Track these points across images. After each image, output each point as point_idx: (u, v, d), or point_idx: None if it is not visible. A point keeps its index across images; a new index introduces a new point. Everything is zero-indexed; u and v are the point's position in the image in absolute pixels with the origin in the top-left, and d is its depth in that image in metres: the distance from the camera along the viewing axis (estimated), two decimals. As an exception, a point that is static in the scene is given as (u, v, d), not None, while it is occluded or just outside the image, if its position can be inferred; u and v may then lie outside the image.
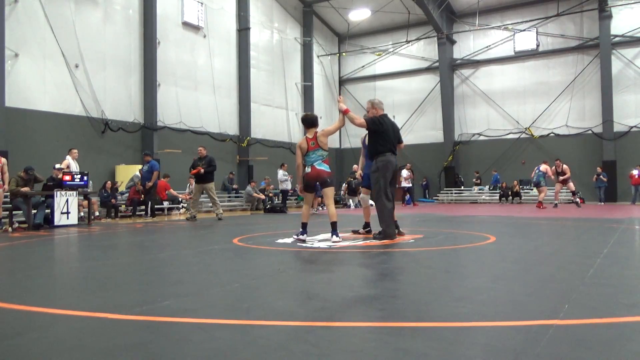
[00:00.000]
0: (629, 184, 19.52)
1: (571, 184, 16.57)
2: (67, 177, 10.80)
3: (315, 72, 26.84)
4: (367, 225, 7.34)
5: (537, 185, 16.55)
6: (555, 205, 16.50)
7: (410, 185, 21.46)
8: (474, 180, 24.89)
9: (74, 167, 11.88)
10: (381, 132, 6.44)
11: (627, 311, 2.82)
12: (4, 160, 10.25)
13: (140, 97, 17.72)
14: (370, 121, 6.50)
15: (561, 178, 16.26)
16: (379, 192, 6.41)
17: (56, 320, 2.78)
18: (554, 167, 16.40)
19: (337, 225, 6.43)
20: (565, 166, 16.54)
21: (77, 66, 15.66)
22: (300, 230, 6.57)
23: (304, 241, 6.42)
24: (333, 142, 28.68)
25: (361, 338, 2.39)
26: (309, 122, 6.83)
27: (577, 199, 16.46)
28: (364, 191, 7.49)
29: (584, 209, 15.46)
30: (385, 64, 27.59)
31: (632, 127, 21.68)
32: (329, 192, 6.61)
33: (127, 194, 14.90)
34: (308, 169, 6.58)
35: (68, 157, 12.07)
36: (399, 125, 27.65)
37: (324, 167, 6.60)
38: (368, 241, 6.50)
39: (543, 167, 16.38)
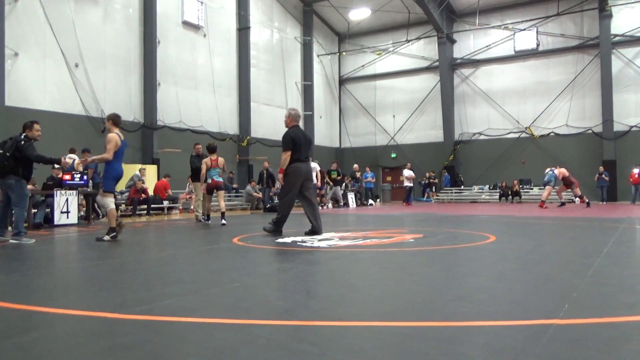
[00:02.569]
0: (629, 183, 19.50)
1: (577, 190, 16.64)
2: (67, 177, 10.80)
3: (315, 71, 26.83)
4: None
5: (546, 184, 16.66)
6: (562, 204, 16.54)
7: (412, 185, 21.44)
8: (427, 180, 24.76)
9: None
10: (294, 145, 7.18)
11: (627, 310, 2.82)
12: None
13: (140, 96, 17.72)
14: (287, 143, 7.20)
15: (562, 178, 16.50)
16: (287, 196, 7.31)
17: (56, 320, 2.78)
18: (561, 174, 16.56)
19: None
20: (561, 170, 16.60)
21: (77, 65, 15.66)
22: (205, 217, 10.68)
23: (208, 224, 10.12)
24: (332, 142, 28.71)
25: (361, 337, 2.39)
26: (212, 149, 10.39)
27: (586, 200, 16.60)
28: (105, 195, 7.24)
29: (585, 209, 15.46)
30: (385, 63, 27.58)
31: (632, 127, 21.68)
32: (222, 193, 10.50)
33: (127, 194, 14.90)
34: (209, 180, 10.26)
35: (75, 155, 12.02)
36: (399, 125, 27.82)
37: (219, 179, 10.36)
38: (368, 241, 6.51)
39: (557, 172, 16.50)
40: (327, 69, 28.15)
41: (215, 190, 10.35)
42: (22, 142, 7.17)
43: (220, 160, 10.37)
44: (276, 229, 7.33)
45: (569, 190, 17.45)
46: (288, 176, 7.17)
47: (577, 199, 17.52)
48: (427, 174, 24.75)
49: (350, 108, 29.04)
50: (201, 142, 12.47)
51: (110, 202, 7.17)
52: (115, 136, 7.07)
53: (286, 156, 7.14)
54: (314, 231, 7.26)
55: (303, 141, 7.25)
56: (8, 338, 2.43)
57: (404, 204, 20.87)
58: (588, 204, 16.51)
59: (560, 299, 3.06)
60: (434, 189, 24.93)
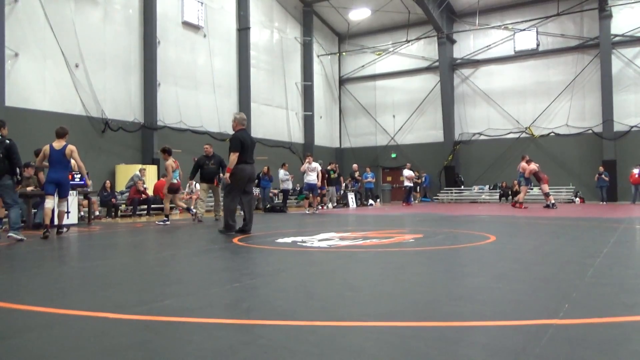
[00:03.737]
0: (629, 183, 19.50)
1: (545, 186, 16.18)
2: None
3: (315, 71, 26.83)
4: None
5: (519, 184, 16.54)
6: (553, 204, 16.03)
7: (412, 185, 21.42)
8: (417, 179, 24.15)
9: None
10: (242, 147, 7.75)
11: (627, 311, 2.82)
12: None
13: (140, 96, 17.73)
14: (236, 145, 7.75)
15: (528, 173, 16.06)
16: (232, 193, 7.90)
17: (56, 320, 2.78)
18: (533, 166, 16.02)
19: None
20: (523, 164, 16.18)
21: (77, 66, 15.66)
22: (165, 218, 10.87)
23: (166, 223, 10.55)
24: (333, 142, 28.70)
25: (362, 337, 2.40)
26: (170, 151, 11.11)
27: (552, 201, 16.01)
28: (49, 197, 8.16)
29: (585, 208, 15.45)
30: (385, 63, 27.58)
31: (632, 127, 21.67)
32: (179, 195, 11.64)
33: (127, 194, 14.91)
34: (174, 180, 11.00)
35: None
36: (399, 125, 27.71)
37: (179, 181, 11.30)
38: (368, 241, 6.51)
39: (521, 167, 16.16)
40: (327, 69, 28.15)
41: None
42: (9, 142, 7.45)
43: (177, 163, 11.34)
44: (229, 227, 7.81)
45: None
46: (234, 176, 7.77)
47: (545, 196, 16.62)
48: (419, 172, 24.71)
49: (350, 108, 29.04)
50: (201, 143, 12.54)
51: (46, 202, 8.11)
52: (44, 147, 8.21)
53: (234, 157, 7.70)
54: (244, 230, 7.89)
55: (249, 144, 7.89)
56: (6, 339, 2.43)
57: (404, 204, 20.87)
58: (553, 205, 15.83)
59: (560, 299, 3.06)
60: (417, 190, 24.45)
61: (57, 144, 8.08)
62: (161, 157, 11.24)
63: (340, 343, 2.29)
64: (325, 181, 18.35)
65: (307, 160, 15.74)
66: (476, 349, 2.17)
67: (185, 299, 3.25)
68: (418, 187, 24.51)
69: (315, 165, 15.51)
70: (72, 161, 11.84)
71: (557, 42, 23.55)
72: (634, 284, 3.71)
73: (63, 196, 8.24)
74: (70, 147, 8.10)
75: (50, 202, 8.08)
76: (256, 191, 18.40)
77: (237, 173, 7.76)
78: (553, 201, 16.10)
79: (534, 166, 16.12)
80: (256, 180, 17.22)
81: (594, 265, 4.30)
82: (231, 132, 7.48)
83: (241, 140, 7.72)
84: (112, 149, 16.53)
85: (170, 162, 10.87)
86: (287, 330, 2.51)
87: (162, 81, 18.25)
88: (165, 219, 10.89)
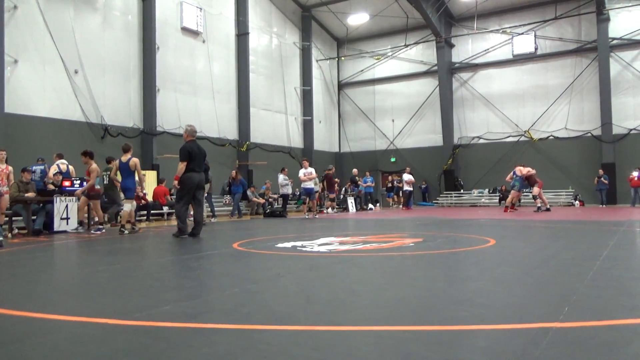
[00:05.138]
0: (629, 186, 19.51)
1: (536, 189, 16.35)
2: (67, 183, 10.79)
3: (314, 76, 26.87)
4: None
5: (513, 188, 16.61)
6: (539, 208, 16.07)
7: (412, 189, 21.39)
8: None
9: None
10: (190, 157, 8.38)
11: (627, 313, 2.82)
12: (10, 168, 10.23)
13: (140, 102, 17.75)
14: (184, 155, 8.42)
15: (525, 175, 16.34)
16: (182, 200, 8.48)
17: (56, 326, 2.78)
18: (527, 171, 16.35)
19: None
20: (523, 169, 16.44)
21: (76, 72, 15.68)
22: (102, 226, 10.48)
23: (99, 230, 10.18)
24: (332, 146, 28.72)
25: (362, 342, 2.39)
26: (92, 155, 10.49)
27: (539, 204, 16.05)
28: (127, 200, 9.84)
29: (585, 211, 15.44)
30: (384, 68, 27.64)
31: (631, 130, 21.70)
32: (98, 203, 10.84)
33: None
34: (97, 187, 10.50)
35: (64, 161, 12.01)
36: (399, 129, 27.71)
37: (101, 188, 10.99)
38: (367, 245, 6.51)
39: (519, 171, 16.42)
40: (326, 74, 28.20)
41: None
42: None
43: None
44: (182, 230, 8.33)
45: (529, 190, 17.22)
46: (182, 183, 8.40)
47: (538, 199, 16.46)
48: (390, 177, 24.67)
49: (349, 113, 29.08)
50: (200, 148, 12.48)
51: (125, 205, 9.91)
52: (115, 161, 10.29)
53: (182, 166, 8.38)
54: (194, 234, 8.40)
55: (198, 154, 8.53)
56: (6, 345, 2.43)
57: (404, 208, 20.85)
58: (540, 209, 15.83)
59: (560, 302, 3.06)
60: (400, 194, 23.55)
61: (124, 157, 9.65)
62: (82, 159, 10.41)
63: (340, 348, 2.29)
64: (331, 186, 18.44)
65: (303, 165, 15.74)
66: (476, 353, 2.17)
67: (185, 305, 3.24)
68: (400, 192, 23.67)
69: (311, 169, 15.50)
70: (64, 164, 11.90)
71: (555, 46, 23.61)
72: (634, 286, 3.71)
73: (128, 197, 9.74)
74: (134, 159, 9.60)
75: (128, 206, 9.68)
76: (251, 196, 18.41)
77: (185, 181, 8.36)
78: (539, 204, 16.16)
79: (530, 169, 16.42)
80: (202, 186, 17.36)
81: (594, 268, 4.30)
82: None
83: (189, 151, 8.38)
84: (112, 155, 16.46)
85: (95, 166, 10.26)
86: (287, 335, 2.51)
87: (162, 87, 18.28)
88: (101, 226, 10.33)
